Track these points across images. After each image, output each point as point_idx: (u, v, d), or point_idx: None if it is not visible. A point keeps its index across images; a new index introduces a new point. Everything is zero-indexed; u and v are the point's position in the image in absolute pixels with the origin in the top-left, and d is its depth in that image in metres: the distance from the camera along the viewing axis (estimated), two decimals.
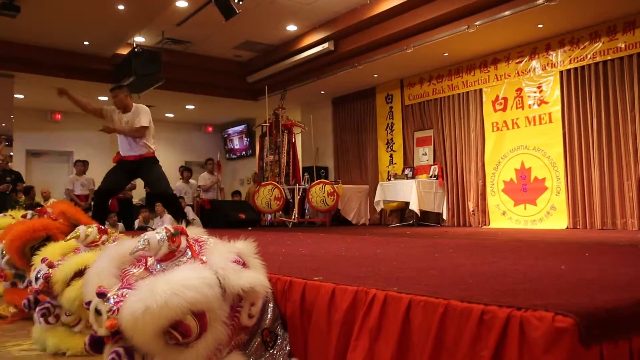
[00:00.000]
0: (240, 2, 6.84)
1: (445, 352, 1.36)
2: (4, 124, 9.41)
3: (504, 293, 1.51)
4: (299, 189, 9.34)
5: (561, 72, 7.31)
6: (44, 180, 11.63)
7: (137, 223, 9.20)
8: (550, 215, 7.38)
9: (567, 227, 7.11)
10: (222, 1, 6.80)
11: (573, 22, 6.87)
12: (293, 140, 9.92)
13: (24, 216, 3.87)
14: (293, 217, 9.08)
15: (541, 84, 7.55)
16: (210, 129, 14.98)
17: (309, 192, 9.11)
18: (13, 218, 4.38)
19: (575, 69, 7.16)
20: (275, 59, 9.80)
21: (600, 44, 6.84)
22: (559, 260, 2.52)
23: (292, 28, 8.83)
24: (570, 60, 7.18)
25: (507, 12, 6.63)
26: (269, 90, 10.02)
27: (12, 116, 9.57)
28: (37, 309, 2.41)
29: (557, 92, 7.34)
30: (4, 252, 3.30)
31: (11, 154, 9.43)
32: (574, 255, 2.79)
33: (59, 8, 7.45)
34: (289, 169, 9.74)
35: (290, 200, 9.30)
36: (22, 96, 10.62)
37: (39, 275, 2.43)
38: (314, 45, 8.94)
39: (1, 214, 4.87)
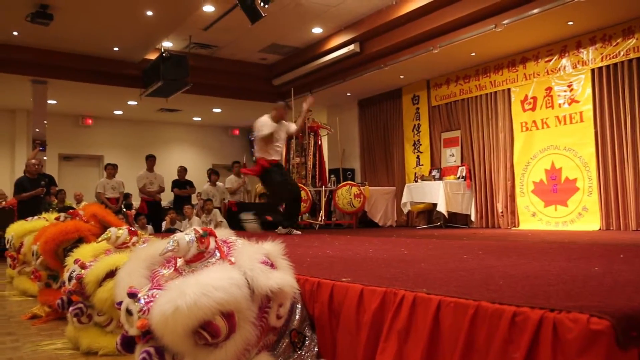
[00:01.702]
0: (266, 6, 6.88)
1: (476, 353, 1.34)
2: (37, 129, 9.65)
3: (536, 295, 1.48)
4: (325, 191, 9.34)
5: (592, 70, 7.15)
6: (75, 183, 11.91)
7: (164, 225, 9.33)
8: (582, 216, 7.22)
9: (599, 229, 6.94)
10: (248, 5, 6.85)
11: (605, 19, 6.71)
12: (319, 143, 9.93)
13: (57, 219, 3.96)
14: (320, 219, 9.08)
15: (572, 82, 7.39)
16: (237, 131, 15.11)
17: (336, 194, 9.11)
18: (46, 221, 4.49)
19: (608, 66, 6.99)
20: (301, 62, 9.83)
21: (634, 40, 6.67)
22: (592, 262, 2.46)
23: (317, 30, 8.85)
24: (602, 57, 7.01)
25: (535, 10, 6.52)
26: (295, 93, 10.06)
27: (45, 122, 9.81)
28: (71, 309, 2.47)
29: (589, 90, 7.18)
30: (38, 254, 3.38)
31: (45, 158, 9.67)
32: (608, 257, 2.72)
33: (90, 15, 7.62)
34: (315, 171, 9.76)
35: (317, 202, 9.31)
36: (54, 102, 10.90)
37: (72, 276, 2.48)
38: (340, 47, 8.94)
39: (35, 217, 5.01)
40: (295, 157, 9.90)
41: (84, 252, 2.72)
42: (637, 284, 1.68)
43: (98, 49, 9.07)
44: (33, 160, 8.05)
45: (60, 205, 9.32)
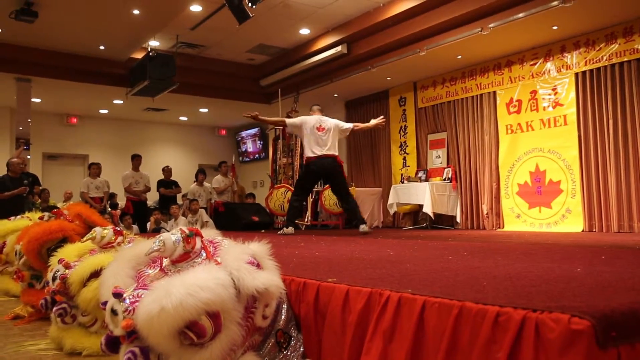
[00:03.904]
0: (254, 6, 6.87)
1: (460, 353, 1.36)
2: (21, 128, 9.54)
3: (519, 295, 1.50)
4: (312, 191, 9.34)
5: (576, 74, 7.24)
6: (60, 182, 11.78)
7: (149, 225, 9.27)
8: (565, 218, 7.31)
9: (582, 230, 7.03)
10: (236, 5, 6.84)
11: (588, 24, 6.81)
12: None
13: (40, 218, 3.92)
14: (306, 219, 9.08)
15: (556, 86, 7.48)
16: (223, 132, 15.07)
17: (322, 195, 9.12)
18: (30, 220, 4.44)
19: (591, 70, 7.09)
20: (289, 62, 9.83)
21: (617, 45, 6.77)
22: (575, 263, 2.49)
23: (305, 31, 8.86)
24: (586, 62, 7.11)
25: (521, 14, 6.59)
26: (282, 94, 10.06)
27: (29, 120, 9.70)
28: (54, 309, 2.44)
29: (572, 94, 7.27)
30: (22, 253, 3.35)
31: (28, 157, 9.55)
32: (590, 258, 2.76)
33: (76, 13, 7.55)
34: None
35: (304, 203, 9.30)
36: (39, 100, 10.78)
37: (55, 276, 2.46)
38: (327, 48, 8.96)
39: (18, 216, 4.95)
40: (282, 157, 9.89)
41: (68, 251, 2.70)
42: (617, 285, 1.71)
43: (84, 47, 8.99)
44: (16, 159, 7.95)
45: (44, 204, 9.22)
